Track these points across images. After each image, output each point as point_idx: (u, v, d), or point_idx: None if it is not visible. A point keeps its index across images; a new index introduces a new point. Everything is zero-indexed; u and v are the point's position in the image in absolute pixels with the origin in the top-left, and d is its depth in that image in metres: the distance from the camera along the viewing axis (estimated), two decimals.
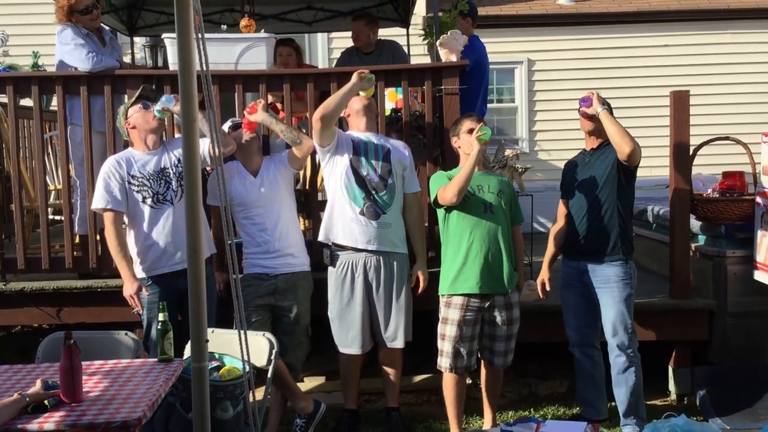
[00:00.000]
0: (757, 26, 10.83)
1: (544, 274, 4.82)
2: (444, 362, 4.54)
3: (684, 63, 10.62)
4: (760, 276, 5.13)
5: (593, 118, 4.51)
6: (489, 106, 10.42)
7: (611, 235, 4.51)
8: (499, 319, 4.50)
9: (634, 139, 4.36)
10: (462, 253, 4.46)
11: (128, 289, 4.40)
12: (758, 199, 5.11)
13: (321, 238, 4.73)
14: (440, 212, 4.57)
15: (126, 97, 4.97)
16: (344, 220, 4.63)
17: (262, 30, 5.54)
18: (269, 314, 4.65)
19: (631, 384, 4.56)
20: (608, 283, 4.52)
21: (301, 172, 5.32)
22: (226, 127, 4.80)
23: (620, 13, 10.82)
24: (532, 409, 5.20)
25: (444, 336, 4.51)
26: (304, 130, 4.96)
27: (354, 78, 4.56)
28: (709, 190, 5.54)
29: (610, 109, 4.48)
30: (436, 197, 4.49)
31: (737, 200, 5.27)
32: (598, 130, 4.55)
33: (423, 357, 5.37)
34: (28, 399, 2.88)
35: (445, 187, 4.43)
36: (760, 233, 5.10)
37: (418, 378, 5.51)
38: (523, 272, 4.75)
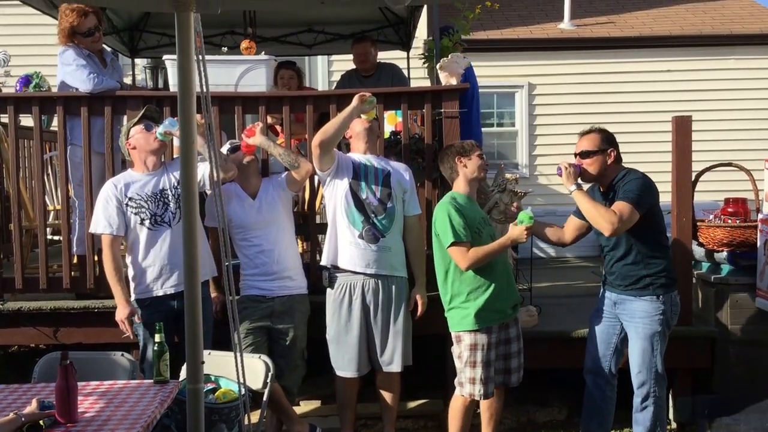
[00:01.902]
0: (760, 52, 10.87)
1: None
2: (477, 389, 4.37)
3: (686, 88, 10.66)
4: (762, 304, 5.10)
5: (585, 178, 4.35)
6: (489, 129, 10.56)
7: (638, 273, 4.28)
8: (513, 335, 4.50)
9: (613, 216, 4.07)
10: (483, 287, 4.35)
11: (120, 314, 4.40)
12: (761, 226, 5.09)
13: (324, 262, 4.71)
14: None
15: (126, 118, 4.98)
16: (343, 244, 4.62)
17: (263, 52, 5.56)
18: (265, 336, 4.63)
19: (647, 425, 4.40)
20: (634, 318, 4.33)
21: (300, 194, 5.32)
22: (224, 149, 4.79)
23: (622, 38, 10.87)
24: None
25: (475, 363, 4.34)
26: (303, 152, 4.95)
27: (354, 101, 4.55)
28: (711, 217, 5.52)
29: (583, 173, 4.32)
30: (451, 245, 4.32)
31: (740, 227, 5.25)
32: (597, 178, 4.37)
33: (421, 382, 5.33)
34: (23, 419, 2.87)
35: (464, 253, 4.28)
36: (763, 260, 5.07)
37: (416, 403, 5.46)
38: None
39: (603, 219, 4.10)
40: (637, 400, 4.42)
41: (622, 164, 4.36)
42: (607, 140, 4.33)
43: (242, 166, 4.68)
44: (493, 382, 4.42)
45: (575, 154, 4.38)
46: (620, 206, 4.12)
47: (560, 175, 4.33)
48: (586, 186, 4.45)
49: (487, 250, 4.31)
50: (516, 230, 4.29)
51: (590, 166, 4.31)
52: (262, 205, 4.66)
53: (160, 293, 4.43)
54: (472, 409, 4.55)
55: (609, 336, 4.47)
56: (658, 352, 4.31)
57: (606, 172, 4.31)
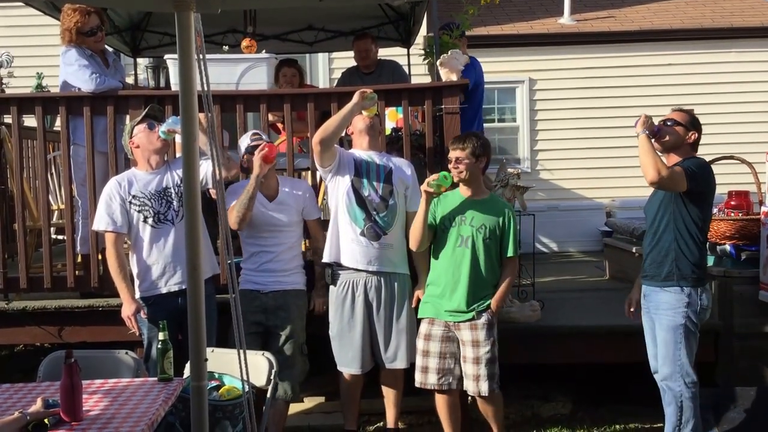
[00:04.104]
0: (761, 45, 10.84)
1: (632, 295, 4.58)
2: (415, 376, 4.58)
3: (687, 82, 10.63)
4: (766, 296, 5.10)
5: (660, 140, 4.30)
6: (490, 125, 10.56)
7: (665, 262, 4.26)
8: (466, 338, 4.46)
9: (662, 170, 4.07)
10: (432, 280, 4.57)
11: (126, 311, 4.41)
12: (764, 219, 5.10)
13: (326, 258, 4.72)
14: None
15: (128, 117, 4.99)
16: (345, 241, 4.63)
17: (263, 50, 5.56)
18: (259, 331, 4.59)
19: (672, 420, 4.31)
20: (659, 310, 4.30)
21: None
22: (244, 142, 4.71)
23: (622, 32, 10.85)
24: (534, 431, 5.16)
25: (417, 349, 4.58)
26: (305, 150, 4.95)
27: (355, 98, 4.54)
28: (715, 210, 5.52)
29: (658, 133, 4.27)
30: None
31: (743, 220, 5.25)
32: (667, 149, 4.34)
33: None
34: (28, 417, 2.88)
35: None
36: (766, 253, 5.07)
37: (420, 399, 5.46)
38: (503, 300, 4.55)
39: (653, 165, 4.09)
40: (662, 393, 4.36)
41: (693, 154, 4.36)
42: (693, 123, 4.36)
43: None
44: (436, 375, 4.49)
45: (661, 122, 4.36)
46: (674, 167, 4.18)
47: (636, 123, 4.29)
48: None
49: (413, 223, 4.52)
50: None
51: (669, 133, 4.30)
52: (277, 210, 4.64)
53: (164, 291, 4.44)
54: (451, 401, 4.58)
55: (652, 331, 4.43)
56: (683, 346, 4.22)
57: (678, 148, 4.31)
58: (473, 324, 4.44)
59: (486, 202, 4.54)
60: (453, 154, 4.47)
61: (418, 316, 4.62)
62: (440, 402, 4.59)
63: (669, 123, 4.33)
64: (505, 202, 4.68)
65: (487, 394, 4.46)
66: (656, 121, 4.35)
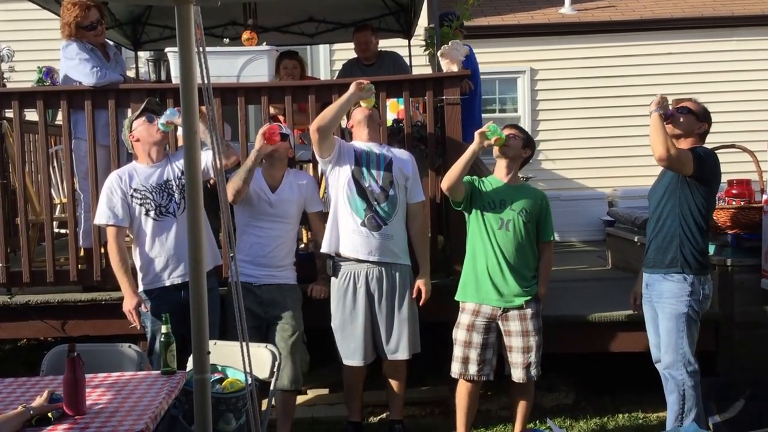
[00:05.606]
0: (761, 33, 10.81)
1: (636, 288, 4.67)
2: (453, 367, 4.55)
3: (688, 71, 10.61)
4: (767, 284, 5.10)
5: (674, 123, 4.33)
6: (491, 115, 10.55)
7: (670, 248, 4.30)
8: (513, 329, 4.49)
9: (671, 149, 4.11)
10: (473, 263, 4.54)
11: (128, 304, 4.41)
12: (765, 207, 5.09)
13: (324, 249, 4.72)
14: (467, 217, 4.64)
15: (129, 111, 4.99)
16: (346, 231, 4.63)
17: (264, 43, 5.56)
18: (256, 322, 4.57)
19: (674, 408, 4.33)
20: (661, 298, 4.34)
21: None
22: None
23: (623, 22, 10.83)
24: (537, 422, 5.17)
25: (456, 340, 4.56)
26: (306, 142, 4.95)
27: (352, 88, 4.55)
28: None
29: (671, 115, 4.31)
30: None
31: (744, 208, 5.24)
32: (677, 136, 4.35)
33: (428, 369, 5.35)
34: (32, 412, 2.89)
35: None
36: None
37: (423, 390, 5.49)
38: (545, 286, 4.62)
39: (662, 143, 4.13)
40: (663, 382, 4.40)
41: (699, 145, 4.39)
42: (705, 114, 4.44)
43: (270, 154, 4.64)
44: (477, 365, 4.48)
45: (674, 108, 4.41)
46: (683, 149, 4.24)
47: (651, 102, 4.32)
48: None
49: (455, 164, 4.46)
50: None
51: (680, 120, 4.35)
52: (278, 202, 4.65)
53: (167, 284, 4.45)
54: (474, 391, 4.59)
55: (654, 320, 4.45)
56: (685, 335, 4.27)
57: (688, 136, 4.36)
58: (523, 314, 4.48)
59: (522, 188, 4.64)
60: (508, 131, 4.55)
61: (456, 298, 4.61)
62: (464, 391, 4.57)
63: (682, 110, 4.37)
64: (538, 189, 4.73)
65: (536, 378, 4.57)
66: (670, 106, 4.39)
